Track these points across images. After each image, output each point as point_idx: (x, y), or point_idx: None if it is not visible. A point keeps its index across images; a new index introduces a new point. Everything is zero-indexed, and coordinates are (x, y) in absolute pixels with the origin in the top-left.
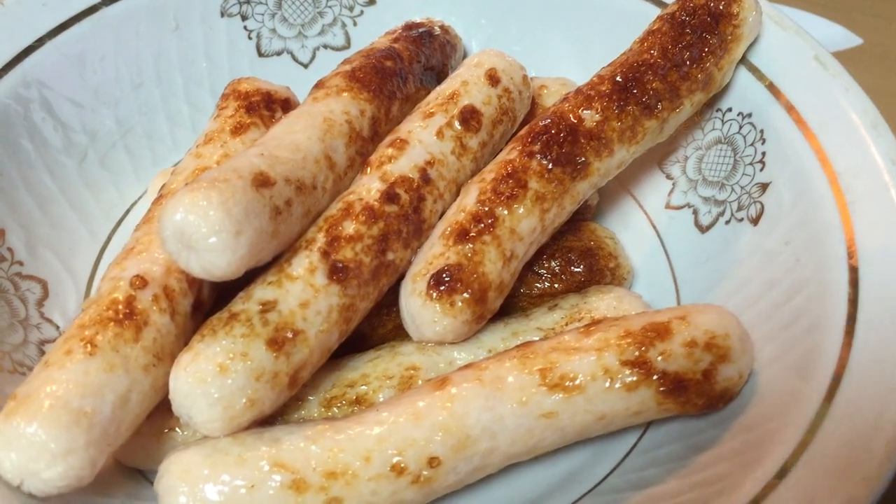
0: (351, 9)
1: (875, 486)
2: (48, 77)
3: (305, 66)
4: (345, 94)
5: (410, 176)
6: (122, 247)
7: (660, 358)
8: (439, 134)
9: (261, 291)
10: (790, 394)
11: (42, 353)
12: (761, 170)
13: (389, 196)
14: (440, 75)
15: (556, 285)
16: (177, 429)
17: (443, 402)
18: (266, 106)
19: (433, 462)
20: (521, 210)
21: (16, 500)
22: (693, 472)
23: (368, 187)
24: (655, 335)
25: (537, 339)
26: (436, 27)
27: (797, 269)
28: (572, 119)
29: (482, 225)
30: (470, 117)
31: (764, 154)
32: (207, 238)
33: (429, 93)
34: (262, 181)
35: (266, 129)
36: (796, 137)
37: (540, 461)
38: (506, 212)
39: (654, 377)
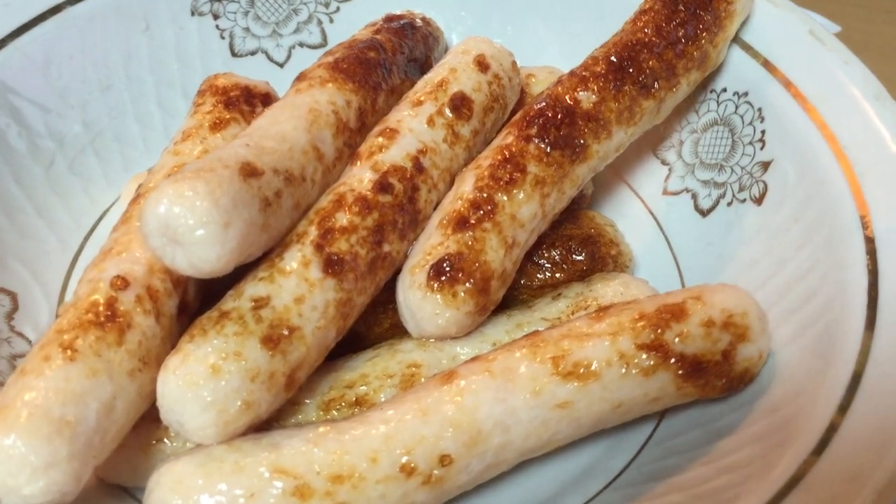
0: (327, 5)
1: None
2: (11, 80)
3: (281, 65)
4: (329, 85)
5: (403, 165)
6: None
7: (677, 340)
8: (430, 122)
9: (252, 288)
10: (814, 372)
11: (13, 368)
12: (762, 148)
13: (383, 186)
14: (423, 67)
15: (557, 275)
16: (165, 440)
17: (451, 396)
18: (246, 101)
19: (444, 460)
20: (521, 195)
21: None
22: (716, 458)
23: (360, 178)
24: (671, 316)
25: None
26: (417, 19)
27: (808, 245)
28: (569, 101)
29: (481, 212)
30: (461, 104)
31: (763, 132)
32: (194, 230)
33: (414, 84)
34: (249, 171)
35: (247, 125)
36: (797, 113)
37: (551, 458)
38: (505, 198)
39: (672, 360)
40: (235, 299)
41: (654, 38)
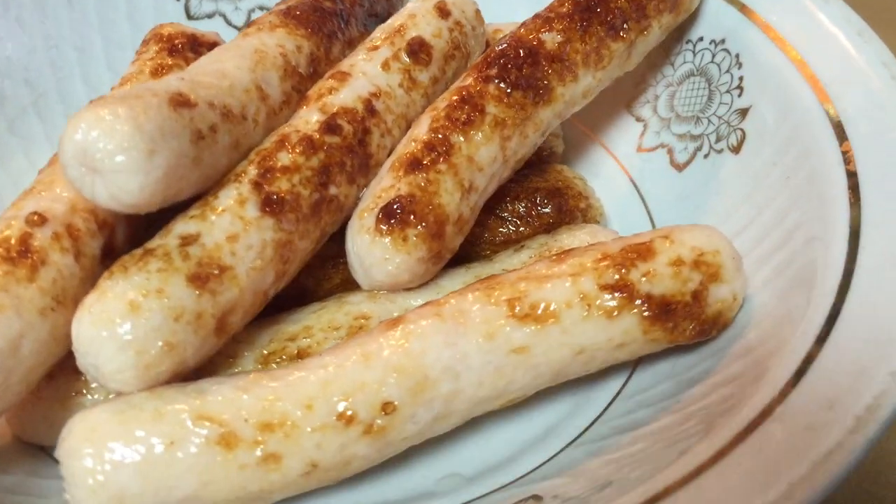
0: None
1: None
2: None
3: (239, 29)
4: (279, 30)
5: (353, 107)
6: None
7: (643, 279)
8: (385, 66)
9: (182, 226)
10: (791, 309)
11: None
12: (739, 95)
13: (330, 127)
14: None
15: (521, 229)
16: (85, 392)
17: (397, 340)
18: (191, 48)
19: (387, 408)
20: (479, 136)
21: None
22: (687, 404)
23: (307, 119)
24: (637, 256)
25: None
26: None
27: (788, 186)
28: (532, 41)
29: (436, 153)
30: (419, 49)
31: (741, 79)
32: (114, 156)
33: None
34: (180, 101)
35: None
36: (776, 56)
37: (514, 417)
38: (462, 138)
39: (638, 301)
40: (163, 237)
41: None
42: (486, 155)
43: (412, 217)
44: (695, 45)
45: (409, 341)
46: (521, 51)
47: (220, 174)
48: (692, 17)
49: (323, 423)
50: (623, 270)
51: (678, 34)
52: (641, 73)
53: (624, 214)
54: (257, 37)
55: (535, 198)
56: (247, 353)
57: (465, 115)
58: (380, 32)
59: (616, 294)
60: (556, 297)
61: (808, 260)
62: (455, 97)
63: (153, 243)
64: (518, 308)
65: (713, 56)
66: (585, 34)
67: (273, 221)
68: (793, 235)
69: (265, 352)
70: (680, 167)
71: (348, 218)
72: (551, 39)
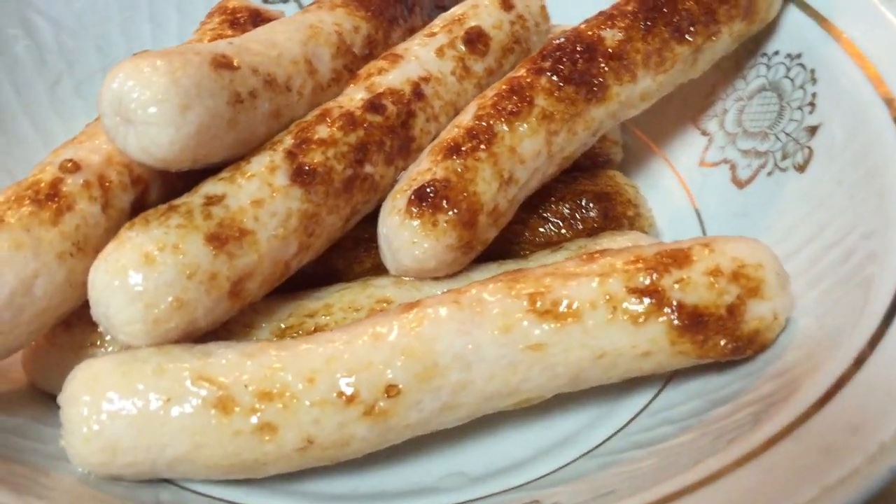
0: None
1: None
2: None
3: None
4: (339, 10)
5: (401, 89)
6: None
7: (676, 286)
8: (439, 52)
9: (209, 186)
10: (837, 331)
11: None
12: (810, 112)
13: (374, 105)
14: None
15: (563, 231)
16: (99, 344)
17: (409, 323)
18: (253, 22)
19: (391, 391)
20: (524, 127)
21: None
22: (711, 422)
23: (352, 97)
24: (672, 261)
25: None
26: None
27: (851, 206)
28: (591, 36)
29: (477, 140)
30: (476, 39)
31: (814, 95)
32: (147, 107)
33: None
34: (222, 63)
35: None
36: (853, 72)
37: (532, 423)
38: (506, 128)
39: (667, 309)
40: (190, 196)
41: None
42: (529, 147)
43: (445, 202)
44: (770, 59)
45: (422, 325)
46: (578, 45)
47: (258, 141)
48: (768, 30)
49: (323, 399)
50: (655, 275)
51: (753, 46)
52: (712, 85)
53: (676, 229)
54: (316, 14)
55: (581, 200)
56: (264, 324)
57: (512, 105)
58: (440, 20)
59: (645, 299)
60: (581, 295)
61: (861, 281)
62: (504, 86)
63: (179, 200)
64: (539, 303)
65: (788, 70)
66: (648, 34)
67: (302, 192)
68: (849, 258)
69: (283, 325)
70: (741, 184)
71: (384, 200)
72: (611, 36)
